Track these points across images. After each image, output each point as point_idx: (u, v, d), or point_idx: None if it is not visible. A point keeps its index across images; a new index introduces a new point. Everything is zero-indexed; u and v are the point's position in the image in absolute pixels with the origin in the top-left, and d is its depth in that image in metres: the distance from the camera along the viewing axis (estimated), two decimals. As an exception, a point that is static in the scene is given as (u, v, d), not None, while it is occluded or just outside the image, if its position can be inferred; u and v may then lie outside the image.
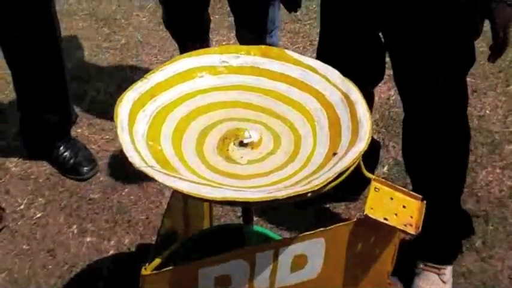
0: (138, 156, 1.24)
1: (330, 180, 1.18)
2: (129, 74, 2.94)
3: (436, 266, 1.98)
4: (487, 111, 2.74)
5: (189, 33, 2.47)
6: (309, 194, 1.16)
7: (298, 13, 3.42)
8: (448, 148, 1.82)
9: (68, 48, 3.05)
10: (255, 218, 1.66)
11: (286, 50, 1.55)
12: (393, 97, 2.72)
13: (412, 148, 1.91)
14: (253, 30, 2.35)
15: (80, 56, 3.16)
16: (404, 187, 1.45)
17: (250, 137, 1.37)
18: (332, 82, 1.45)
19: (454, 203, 1.95)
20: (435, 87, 1.73)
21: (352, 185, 2.01)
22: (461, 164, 1.89)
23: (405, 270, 2.00)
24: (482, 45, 2.33)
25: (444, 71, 1.71)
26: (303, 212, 2.21)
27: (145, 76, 1.45)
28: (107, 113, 2.69)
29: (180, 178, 1.21)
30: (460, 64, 1.74)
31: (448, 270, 1.99)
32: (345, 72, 1.46)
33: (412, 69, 1.74)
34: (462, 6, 1.62)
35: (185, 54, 1.53)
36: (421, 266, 2.00)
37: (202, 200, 1.16)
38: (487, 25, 1.62)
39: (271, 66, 1.52)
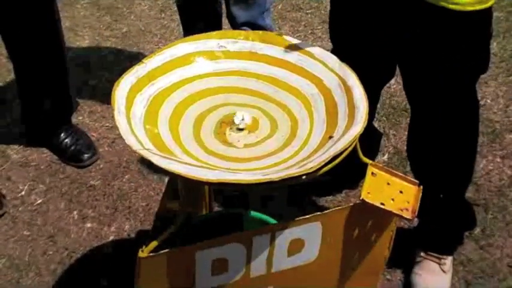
0: (135, 139, 1.24)
1: (324, 163, 1.18)
2: (130, 63, 2.90)
3: (437, 255, 1.98)
4: (488, 101, 2.74)
5: (202, 17, 2.48)
6: (304, 177, 1.17)
7: (300, 2, 3.44)
8: (456, 145, 1.81)
9: (69, 37, 3.06)
10: (255, 207, 1.67)
11: (284, 36, 1.55)
12: (394, 86, 2.71)
13: (419, 146, 1.89)
14: (243, 8, 2.35)
15: (81, 45, 3.16)
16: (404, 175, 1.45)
17: (243, 119, 1.38)
18: (330, 67, 1.46)
19: (459, 196, 1.95)
20: (448, 98, 1.72)
21: (351, 172, 2.02)
22: (469, 159, 1.88)
23: (405, 259, 2.01)
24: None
25: (458, 86, 1.70)
26: (303, 200, 2.22)
27: (143, 60, 1.46)
28: (107, 100, 2.67)
29: (177, 161, 1.22)
30: (475, 78, 1.74)
31: (449, 260, 2.00)
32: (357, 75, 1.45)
33: (425, 87, 1.73)
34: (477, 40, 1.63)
35: (183, 39, 1.54)
36: (422, 254, 2.00)
37: (199, 182, 1.16)
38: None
39: (270, 52, 1.52)
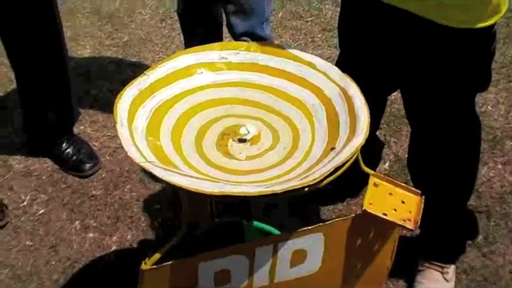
0: (137, 152, 1.25)
1: (326, 174, 1.18)
2: (132, 72, 2.94)
3: (439, 264, 1.98)
4: (489, 107, 2.74)
5: (202, 24, 2.47)
6: (306, 189, 1.17)
7: (300, 10, 3.45)
8: (458, 158, 1.82)
9: (71, 46, 3.06)
10: (256, 216, 1.67)
11: (285, 46, 1.56)
12: (394, 93, 2.71)
13: (420, 159, 1.90)
14: (242, 18, 2.34)
15: (82, 54, 3.17)
16: (405, 183, 1.45)
17: (248, 132, 1.38)
18: (331, 78, 1.46)
19: (461, 206, 1.95)
20: (447, 112, 1.73)
21: (353, 181, 2.02)
22: (471, 170, 1.89)
23: (408, 268, 2.01)
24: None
25: (457, 100, 1.71)
26: (304, 209, 2.22)
27: (145, 72, 1.46)
28: (109, 110, 2.70)
29: (179, 173, 1.22)
30: (473, 93, 1.76)
31: (451, 269, 2.00)
32: (363, 83, 1.46)
33: (424, 101, 1.74)
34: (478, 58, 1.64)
35: (185, 51, 1.55)
36: (425, 264, 2.00)
37: (201, 194, 1.17)
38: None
39: (271, 63, 1.53)
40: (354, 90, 1.40)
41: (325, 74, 1.47)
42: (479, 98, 2.75)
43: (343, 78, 1.45)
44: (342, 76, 1.45)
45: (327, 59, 2.88)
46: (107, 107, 2.73)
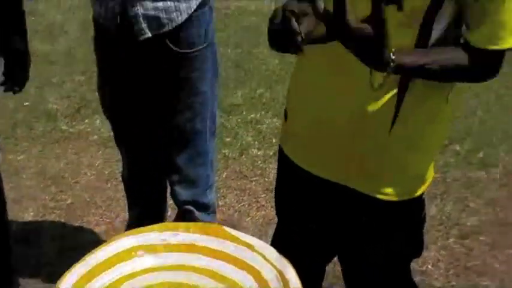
0: None
1: None
2: (74, 237, 2.93)
3: None
4: (429, 266, 2.80)
5: (145, 191, 2.51)
6: None
7: (244, 169, 3.53)
8: None
9: (13, 210, 3.04)
10: None
11: (224, 227, 1.59)
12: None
13: None
14: (186, 187, 2.39)
15: (24, 218, 3.13)
16: None
17: None
18: (268, 259, 1.49)
19: None
20: (384, 282, 1.79)
21: None
22: None
23: None
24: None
25: (394, 272, 1.78)
26: None
27: (83, 258, 1.46)
28: (51, 278, 2.65)
29: None
30: (409, 262, 1.83)
31: None
32: (302, 251, 1.49)
33: (362, 274, 1.81)
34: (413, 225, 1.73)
35: (124, 233, 1.56)
36: None
37: None
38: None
39: (209, 244, 1.55)
40: (290, 273, 1.43)
41: (262, 255, 1.50)
42: (419, 258, 2.81)
43: (279, 260, 1.47)
44: (279, 257, 1.48)
45: (269, 220, 2.93)
46: (49, 275, 2.68)
